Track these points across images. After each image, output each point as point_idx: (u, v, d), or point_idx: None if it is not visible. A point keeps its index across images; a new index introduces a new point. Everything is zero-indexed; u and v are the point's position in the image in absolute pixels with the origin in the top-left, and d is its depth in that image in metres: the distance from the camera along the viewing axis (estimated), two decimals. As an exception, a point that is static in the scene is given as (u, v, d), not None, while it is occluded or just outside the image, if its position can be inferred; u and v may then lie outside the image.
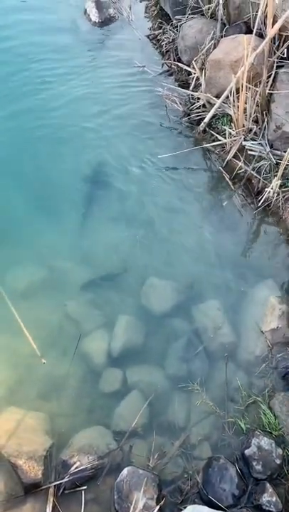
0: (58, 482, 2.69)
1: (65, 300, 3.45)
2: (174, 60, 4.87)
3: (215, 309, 3.43)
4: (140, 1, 5.58)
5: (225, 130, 4.20)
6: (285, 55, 4.03)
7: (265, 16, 3.99)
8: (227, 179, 4.10)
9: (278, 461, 2.75)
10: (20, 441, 2.78)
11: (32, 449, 2.76)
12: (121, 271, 3.65)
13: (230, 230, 3.91)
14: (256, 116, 4.08)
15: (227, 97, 4.15)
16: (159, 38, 5.13)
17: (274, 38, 4.02)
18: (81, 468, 2.72)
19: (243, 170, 4.07)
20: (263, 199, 3.90)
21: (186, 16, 4.85)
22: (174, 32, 5.00)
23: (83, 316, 3.40)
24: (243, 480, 2.73)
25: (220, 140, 4.22)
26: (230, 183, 4.08)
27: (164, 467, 2.80)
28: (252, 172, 4.00)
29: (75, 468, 2.72)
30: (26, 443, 2.77)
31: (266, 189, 3.88)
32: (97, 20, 5.30)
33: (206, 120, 4.31)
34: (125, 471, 2.69)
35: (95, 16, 5.30)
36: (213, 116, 4.32)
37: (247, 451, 2.79)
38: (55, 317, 3.39)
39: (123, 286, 3.59)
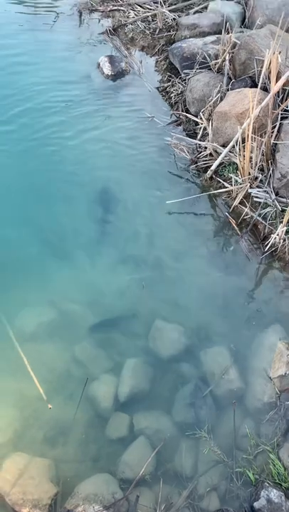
0: (62, 533, 2.63)
1: (73, 343, 3.47)
2: (182, 111, 5.08)
3: (222, 354, 3.43)
4: (150, 56, 5.89)
5: (231, 177, 4.34)
6: (289, 108, 4.22)
7: (270, 72, 4.22)
8: (233, 224, 4.19)
9: (288, 515, 2.67)
10: (25, 489, 2.74)
11: (37, 497, 2.71)
12: (129, 313, 3.69)
13: (237, 274, 3.96)
14: (262, 164, 4.23)
15: (233, 146, 4.32)
16: (168, 90, 5.39)
17: (278, 92, 4.23)
18: (86, 518, 2.66)
19: (249, 216, 4.17)
20: (269, 244, 3.97)
21: (194, 70, 5.11)
22: (182, 85, 5.26)
23: (91, 359, 3.41)
24: (252, 534, 2.65)
25: (226, 187, 4.35)
26: (236, 228, 4.17)
27: (171, 519, 2.74)
28: (258, 218, 4.10)
29: (80, 518, 2.66)
30: (31, 491, 2.74)
31: (272, 235, 3.96)
32: (109, 74, 5.59)
33: (213, 168, 4.46)
34: (131, 522, 2.63)
35: (107, 70, 5.60)
36: (220, 164, 4.47)
37: (256, 504, 2.72)
38: (63, 360, 3.40)
39: (131, 329, 3.62)
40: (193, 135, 4.88)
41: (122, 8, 6.44)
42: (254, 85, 4.59)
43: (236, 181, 4.28)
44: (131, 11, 6.36)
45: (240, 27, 5.51)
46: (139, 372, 3.33)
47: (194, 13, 5.98)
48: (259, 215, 4.10)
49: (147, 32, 6.05)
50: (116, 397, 3.24)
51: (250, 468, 2.91)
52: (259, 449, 2.98)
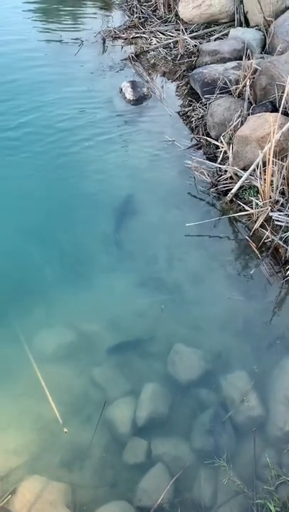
0: None
1: (92, 365, 3.46)
2: (203, 135, 5.14)
3: (243, 380, 3.37)
4: (172, 81, 6.01)
5: (252, 201, 4.34)
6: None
7: (290, 97, 4.26)
8: (254, 248, 4.17)
9: None
10: (41, 514, 2.70)
11: (52, 523, 2.67)
12: (147, 336, 3.67)
13: (258, 298, 3.92)
14: (283, 188, 4.22)
15: (254, 170, 4.33)
16: (188, 114, 5.46)
17: (299, 116, 4.25)
18: None
19: (270, 239, 4.14)
20: (290, 269, 3.93)
21: (214, 95, 5.18)
22: (203, 109, 5.33)
23: (109, 382, 3.38)
24: None
25: (247, 210, 4.35)
26: (257, 252, 4.15)
27: None
28: (279, 242, 4.07)
29: None
30: (47, 516, 2.70)
31: (293, 259, 3.93)
32: (131, 98, 5.71)
33: (234, 191, 4.47)
34: None
35: (129, 95, 5.72)
36: (240, 188, 4.48)
37: (277, 538, 2.62)
38: (81, 382, 3.38)
39: (149, 352, 3.59)
40: (213, 158, 4.92)
41: (144, 35, 6.62)
42: (275, 110, 4.62)
43: (257, 204, 4.28)
44: (153, 38, 6.53)
45: (261, 53, 5.60)
46: (157, 396, 3.28)
47: (215, 39, 6.11)
48: (280, 238, 4.07)
49: (169, 58, 6.19)
50: (134, 421, 3.20)
51: (271, 500, 2.81)
52: (280, 479, 2.89)
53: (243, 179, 4.40)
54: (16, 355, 3.46)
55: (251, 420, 3.18)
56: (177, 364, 3.46)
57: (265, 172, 4.13)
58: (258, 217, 4.25)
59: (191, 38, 6.23)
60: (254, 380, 3.36)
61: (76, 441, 3.12)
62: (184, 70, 5.95)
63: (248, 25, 6.11)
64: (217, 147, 4.90)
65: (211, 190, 4.67)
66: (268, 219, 4.20)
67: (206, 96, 5.29)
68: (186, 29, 6.39)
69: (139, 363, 3.52)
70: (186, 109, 5.52)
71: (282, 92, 4.40)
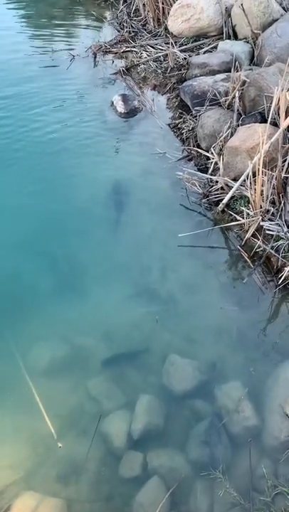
0: None
1: (86, 378, 3.45)
2: (194, 147, 5.19)
3: (237, 390, 3.37)
4: (162, 94, 6.08)
5: (243, 211, 4.37)
6: (299, 142, 4.28)
7: (279, 108, 4.31)
8: (246, 257, 4.19)
9: None
10: (36, 530, 2.68)
11: (48, 540, 2.65)
12: (142, 348, 3.67)
13: (251, 307, 3.93)
14: (273, 198, 4.26)
15: (244, 180, 4.37)
16: (179, 126, 5.52)
17: (288, 127, 4.30)
18: None
19: (261, 249, 4.17)
20: (283, 277, 3.95)
21: (204, 107, 5.24)
22: (193, 121, 5.39)
23: (103, 394, 3.38)
24: None
25: (238, 220, 4.38)
26: (249, 261, 4.17)
27: None
28: (271, 251, 4.10)
29: None
30: (42, 532, 2.67)
31: (286, 268, 3.95)
32: (122, 111, 5.76)
33: (225, 201, 4.51)
34: None
35: (121, 108, 5.78)
36: (231, 198, 4.52)
37: None
38: (75, 396, 3.38)
39: (144, 363, 3.59)
40: (204, 169, 4.96)
41: (134, 49, 6.71)
42: (264, 121, 4.67)
43: (248, 214, 4.31)
44: (143, 51, 6.61)
45: (249, 65, 5.67)
46: (152, 408, 3.28)
47: (204, 52, 6.18)
48: (272, 247, 4.10)
49: (159, 71, 6.27)
50: (129, 434, 3.19)
51: (268, 511, 2.80)
52: (277, 490, 2.88)
53: (233, 189, 4.44)
54: (10, 369, 3.45)
55: (247, 430, 3.17)
56: (172, 375, 3.46)
57: (255, 182, 4.17)
58: (249, 227, 4.28)
59: (180, 51, 6.31)
60: (249, 389, 3.36)
61: (71, 456, 3.11)
62: (174, 83, 6.02)
63: (236, 38, 6.20)
64: (208, 158, 4.95)
65: (203, 200, 4.71)
66: (259, 228, 4.23)
67: (196, 108, 5.35)
68: (175, 42, 6.47)
69: (133, 374, 3.52)
70: (177, 121, 5.58)
71: (271, 103, 4.45)
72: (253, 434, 3.16)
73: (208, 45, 6.32)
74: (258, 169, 4.11)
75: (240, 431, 3.18)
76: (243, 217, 4.35)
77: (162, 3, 6.78)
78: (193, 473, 3.02)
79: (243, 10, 5.80)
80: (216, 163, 4.78)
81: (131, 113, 5.79)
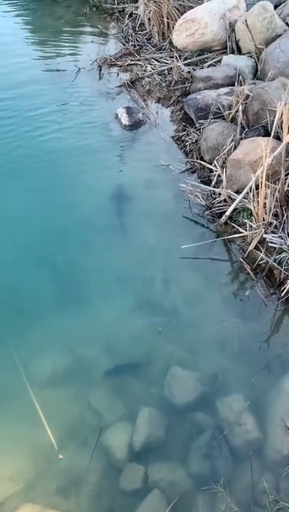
0: None
1: (88, 389, 3.45)
2: (197, 159, 5.23)
3: (239, 402, 3.36)
4: (166, 107, 6.14)
5: (246, 223, 4.39)
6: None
7: (282, 122, 4.35)
8: (248, 270, 4.20)
9: None
10: None
11: None
12: (144, 359, 3.67)
13: (254, 320, 3.93)
14: (276, 210, 4.28)
15: (247, 193, 4.40)
16: (183, 139, 5.57)
17: (290, 140, 4.34)
18: None
19: (264, 261, 4.18)
20: (285, 290, 3.96)
21: (208, 120, 5.30)
22: (197, 134, 5.44)
23: (105, 406, 3.37)
24: None
25: (241, 232, 4.40)
26: (251, 273, 4.18)
27: None
28: (273, 263, 4.11)
29: None
30: None
31: (288, 280, 3.95)
32: (127, 124, 5.83)
33: (228, 213, 4.53)
34: None
35: (125, 120, 5.84)
36: (234, 210, 4.54)
37: None
38: (77, 407, 3.37)
39: (146, 375, 3.58)
40: (207, 182, 5.00)
41: (139, 62, 6.79)
42: (267, 134, 4.71)
43: (251, 227, 4.33)
44: (148, 65, 6.70)
45: (253, 79, 5.74)
46: (154, 420, 3.27)
47: (208, 66, 6.26)
48: (274, 260, 4.11)
49: (163, 84, 6.34)
50: (130, 446, 3.18)
51: (270, 526, 2.78)
52: (278, 505, 2.86)
53: (236, 202, 4.47)
54: (12, 380, 3.45)
55: (248, 444, 3.16)
56: (174, 387, 3.46)
57: (258, 195, 4.19)
58: (252, 239, 4.30)
59: (184, 64, 6.39)
60: (251, 402, 3.35)
61: (72, 468, 3.09)
62: (178, 96, 6.09)
63: (240, 52, 6.28)
64: (211, 171, 4.99)
65: (206, 212, 4.74)
66: (262, 241, 4.25)
67: (199, 121, 5.40)
68: (180, 56, 6.56)
69: (135, 386, 3.51)
70: (181, 134, 5.63)
71: (274, 117, 4.50)
72: (255, 447, 3.15)
73: (212, 59, 6.40)
74: (261, 182, 4.14)
75: (242, 444, 3.16)
76: (246, 230, 4.36)
77: (167, 18, 6.89)
78: (195, 486, 3.00)
79: (247, 25, 5.88)
80: (219, 176, 4.81)
81: (135, 125, 5.85)
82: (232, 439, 3.18)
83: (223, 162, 4.84)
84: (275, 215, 4.32)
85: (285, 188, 4.23)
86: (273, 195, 4.21)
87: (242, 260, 4.29)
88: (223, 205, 4.66)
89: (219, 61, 6.23)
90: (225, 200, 4.67)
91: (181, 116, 5.83)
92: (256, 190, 4.27)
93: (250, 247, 4.28)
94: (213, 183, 4.88)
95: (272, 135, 4.42)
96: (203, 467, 3.07)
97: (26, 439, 3.21)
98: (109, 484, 3.04)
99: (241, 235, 4.40)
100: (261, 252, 4.19)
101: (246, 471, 3.02)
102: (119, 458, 3.12)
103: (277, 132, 4.49)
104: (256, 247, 4.27)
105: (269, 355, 3.69)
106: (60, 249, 4.42)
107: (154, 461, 3.13)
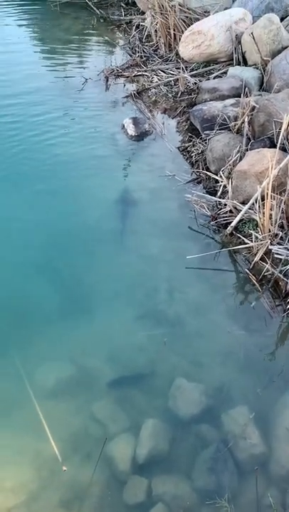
0: None
1: (92, 400, 3.43)
2: (203, 170, 5.24)
3: (244, 415, 3.33)
4: (172, 118, 6.18)
5: (251, 234, 4.39)
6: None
7: (288, 133, 4.37)
8: (254, 281, 4.19)
9: None
10: None
11: None
12: (148, 370, 3.64)
13: (259, 331, 3.91)
14: (282, 222, 4.27)
15: (253, 204, 4.40)
16: (189, 149, 5.59)
17: (296, 152, 4.35)
18: None
19: (270, 272, 4.16)
20: (291, 302, 3.94)
21: (214, 131, 5.32)
22: (202, 145, 5.46)
23: (109, 417, 3.35)
24: None
25: (247, 243, 4.39)
26: (257, 285, 4.16)
27: None
28: (279, 275, 4.09)
29: None
30: None
31: (294, 292, 3.94)
32: (133, 134, 5.86)
33: (233, 224, 4.53)
34: None
35: (131, 130, 5.88)
36: (240, 221, 4.54)
37: None
38: (81, 418, 3.35)
39: (150, 386, 3.56)
40: (213, 192, 5.00)
41: (146, 73, 6.85)
42: (272, 146, 4.72)
43: (256, 238, 4.32)
44: (154, 76, 6.75)
45: (259, 91, 5.77)
46: (158, 432, 3.24)
47: (214, 77, 6.30)
48: (280, 271, 4.09)
49: (170, 95, 6.39)
50: (134, 458, 3.15)
51: None
52: (284, 521, 2.82)
53: (242, 213, 4.47)
54: (15, 390, 3.44)
55: (253, 458, 3.12)
56: (178, 399, 3.43)
57: (264, 206, 4.19)
58: (257, 251, 4.29)
59: (191, 76, 6.43)
60: (256, 415, 3.32)
61: (75, 480, 3.07)
62: (184, 107, 6.12)
63: (246, 64, 6.32)
64: (217, 181, 5.00)
65: (211, 223, 4.74)
66: (268, 252, 4.23)
67: (205, 132, 5.43)
68: (186, 67, 6.61)
69: (139, 397, 3.49)
70: (187, 145, 5.66)
71: (280, 129, 4.51)
72: (260, 461, 3.11)
73: (218, 70, 6.44)
74: (267, 193, 4.14)
75: (247, 458, 3.13)
76: (252, 241, 4.36)
77: (174, 30, 6.96)
78: (199, 501, 2.96)
79: (253, 38, 5.92)
80: (224, 187, 4.82)
81: (141, 136, 5.88)
82: (237, 453, 3.15)
83: (229, 173, 4.85)
84: (281, 227, 4.31)
85: (291, 200, 4.23)
86: (279, 206, 4.21)
87: (247, 271, 4.28)
88: (229, 216, 4.66)
89: (225, 72, 6.28)
90: (230, 211, 4.67)
91: (187, 127, 5.86)
92: (262, 201, 4.27)
93: (256, 258, 4.27)
94: (218, 193, 4.88)
95: (278, 146, 4.43)
96: (208, 481, 3.03)
97: (29, 449, 3.19)
98: (113, 497, 3.01)
99: (247, 245, 4.39)
100: (267, 263, 4.18)
101: (251, 486, 2.98)
102: (123, 470, 3.09)
103: (283, 144, 4.51)
104: (262, 259, 4.26)
105: (274, 368, 3.66)
106: (63, 257, 4.42)
107: (158, 474, 3.09)
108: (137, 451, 3.16)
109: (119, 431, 3.27)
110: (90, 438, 3.25)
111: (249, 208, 4.46)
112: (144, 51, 7.30)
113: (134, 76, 6.89)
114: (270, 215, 4.19)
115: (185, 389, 3.47)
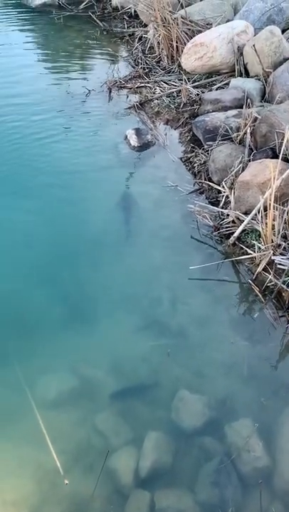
0: None
1: (94, 412, 3.41)
2: (205, 180, 5.26)
3: (248, 428, 3.30)
4: (175, 129, 6.21)
5: (254, 244, 4.38)
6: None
7: (290, 144, 4.38)
8: (257, 292, 4.17)
9: None
10: None
11: None
12: (151, 382, 3.62)
13: (263, 343, 3.89)
14: (285, 232, 4.27)
15: (255, 214, 4.40)
16: (191, 160, 5.61)
17: (299, 163, 4.36)
18: None
19: (273, 283, 4.15)
20: (294, 313, 3.93)
21: (216, 142, 5.34)
22: (205, 155, 5.48)
23: (111, 429, 3.32)
24: None
25: (249, 254, 4.39)
26: (260, 295, 4.15)
27: None
28: (282, 286, 4.08)
29: None
30: None
31: (297, 303, 3.92)
32: (136, 145, 5.89)
33: (236, 235, 4.53)
34: None
35: (134, 141, 5.91)
36: (243, 231, 4.54)
37: None
38: (83, 430, 3.32)
39: (153, 398, 3.53)
40: (215, 203, 5.01)
41: (148, 84, 6.90)
42: (275, 156, 4.74)
43: (259, 248, 4.32)
44: (157, 87, 6.80)
45: (261, 102, 5.80)
46: (161, 445, 3.21)
47: (217, 89, 6.34)
48: (283, 282, 4.08)
49: (172, 106, 6.42)
50: (137, 471, 3.12)
51: None
52: (289, 536, 2.78)
53: (245, 223, 4.47)
54: (17, 401, 3.42)
55: (257, 471, 3.09)
56: (181, 411, 3.40)
57: (266, 216, 4.19)
58: (260, 261, 4.28)
59: (193, 87, 6.47)
60: (260, 427, 3.29)
61: (77, 493, 3.03)
62: (186, 118, 6.16)
63: (248, 75, 6.36)
64: (219, 192, 5.01)
65: (214, 233, 4.74)
66: (271, 262, 4.23)
67: (208, 143, 5.45)
68: (188, 79, 6.65)
69: (142, 409, 3.46)
70: (189, 155, 5.68)
71: (282, 139, 4.53)
72: (264, 475, 3.08)
73: (221, 81, 6.48)
74: (270, 204, 4.14)
75: (251, 471, 3.09)
76: (254, 251, 4.35)
77: (176, 42, 7.02)
78: (202, 515, 2.93)
79: (255, 50, 5.97)
80: (227, 197, 4.83)
81: (144, 146, 5.91)
82: (241, 466, 3.11)
83: (232, 183, 4.85)
84: (284, 237, 4.31)
85: (294, 210, 4.23)
86: (282, 217, 4.21)
87: (250, 282, 4.27)
88: (232, 226, 4.66)
89: (227, 84, 6.32)
90: (233, 222, 4.67)
91: (189, 137, 5.89)
92: (264, 211, 4.27)
93: (259, 269, 4.26)
94: (221, 204, 4.89)
95: (280, 157, 4.44)
96: (212, 495, 3.00)
97: (31, 462, 3.16)
98: (115, 511, 2.97)
99: (250, 256, 4.38)
100: (270, 273, 4.17)
101: (255, 500, 2.94)
102: (125, 484, 3.06)
103: (286, 154, 4.52)
104: (265, 269, 4.24)
105: (278, 379, 3.63)
106: (65, 266, 4.42)
107: (160, 487, 3.06)
108: (139, 463, 3.13)
109: (121, 443, 3.24)
110: (92, 450, 3.22)
111: (252, 219, 4.46)
112: (146, 63, 7.37)
113: (136, 87, 6.94)
114: (273, 225, 4.19)
115: (188, 401, 3.45)
